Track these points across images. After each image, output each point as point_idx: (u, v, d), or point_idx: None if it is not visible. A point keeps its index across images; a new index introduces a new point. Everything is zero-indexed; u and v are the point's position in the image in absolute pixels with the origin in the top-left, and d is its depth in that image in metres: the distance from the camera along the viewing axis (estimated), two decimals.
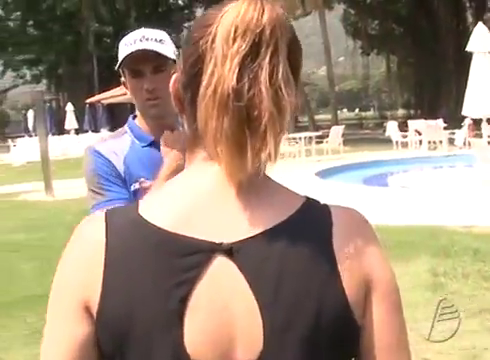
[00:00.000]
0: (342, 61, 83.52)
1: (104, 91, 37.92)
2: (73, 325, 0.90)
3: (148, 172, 2.05)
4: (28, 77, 52.31)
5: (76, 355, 0.89)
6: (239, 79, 0.87)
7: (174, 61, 2.03)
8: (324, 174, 15.38)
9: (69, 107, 33.31)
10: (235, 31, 0.88)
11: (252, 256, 0.90)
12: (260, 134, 0.88)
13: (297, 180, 14.38)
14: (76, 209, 9.74)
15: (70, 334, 0.90)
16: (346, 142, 21.74)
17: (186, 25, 50.69)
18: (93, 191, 2.06)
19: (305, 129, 30.15)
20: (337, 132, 21.00)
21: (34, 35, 47.16)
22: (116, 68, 2.09)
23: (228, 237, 0.90)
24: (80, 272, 0.91)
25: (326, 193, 12.21)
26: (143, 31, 2.06)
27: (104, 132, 32.57)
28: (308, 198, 1.00)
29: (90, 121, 33.62)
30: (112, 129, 33.26)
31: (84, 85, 43.59)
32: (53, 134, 31.88)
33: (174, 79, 1.01)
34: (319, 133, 22.58)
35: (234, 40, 0.88)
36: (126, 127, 2.20)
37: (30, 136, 34.46)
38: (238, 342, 0.88)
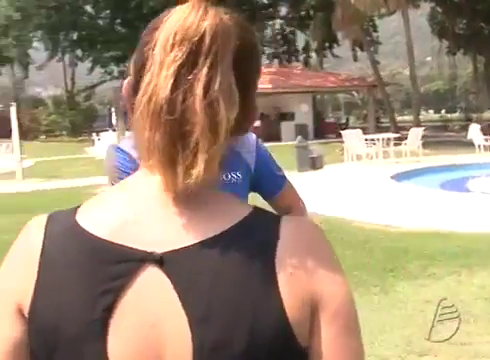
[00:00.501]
0: (429, 61, 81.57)
1: None
2: (7, 328, 0.89)
3: None
4: (115, 73, 53.66)
5: (9, 358, 0.88)
6: (173, 90, 0.83)
7: None
8: (400, 177, 15.07)
9: None
10: (174, 38, 0.85)
11: (184, 267, 0.86)
12: (191, 150, 0.84)
13: (371, 182, 14.23)
14: None
15: (4, 337, 0.89)
16: (427, 144, 21.21)
17: (270, 23, 50.81)
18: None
19: (386, 130, 29.63)
20: (416, 134, 20.50)
21: (122, 33, 48.34)
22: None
23: (162, 247, 0.86)
24: (16, 275, 0.90)
25: (400, 196, 11.98)
26: None
27: None
28: (257, 209, 0.95)
29: None
30: None
31: None
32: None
33: (127, 82, 0.97)
34: (397, 135, 22.11)
35: (172, 48, 0.85)
36: None
37: (114, 130, 35.41)
38: (166, 358, 0.84)
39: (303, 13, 47.71)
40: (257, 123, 37.95)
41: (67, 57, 56.62)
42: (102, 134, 32.66)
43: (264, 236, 0.90)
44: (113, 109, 35.71)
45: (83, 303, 0.86)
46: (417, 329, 4.86)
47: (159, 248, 0.87)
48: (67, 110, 59.13)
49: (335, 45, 47.62)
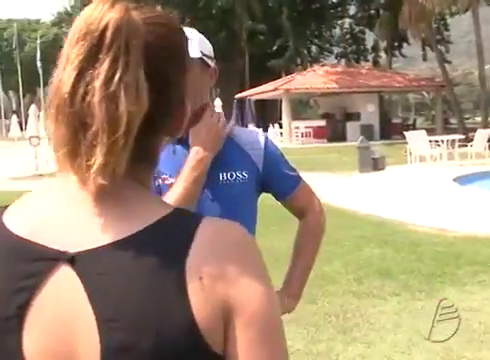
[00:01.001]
0: None
1: (254, 87, 38.74)
2: None
3: (171, 169, 1.99)
4: None
5: None
6: (75, 84, 0.85)
7: (202, 60, 1.98)
8: (463, 180, 14.69)
9: (217, 102, 34.22)
10: (78, 33, 0.86)
11: (95, 267, 0.86)
12: (90, 142, 0.85)
13: (432, 184, 13.94)
14: None
15: None
16: None
17: (339, 22, 50.34)
18: None
19: (454, 131, 28.93)
20: (483, 136, 19.94)
21: None
22: None
23: (76, 246, 0.87)
24: None
25: (460, 200, 11.69)
26: None
27: (251, 127, 33.32)
28: (178, 210, 0.94)
29: (237, 116, 34.35)
30: (258, 125, 33.94)
31: (236, 81, 44.62)
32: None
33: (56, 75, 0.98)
34: (462, 136, 21.53)
35: (76, 43, 0.86)
36: None
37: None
38: (80, 358, 0.85)
39: (372, 12, 47.09)
40: (322, 123, 37.43)
41: None
42: None
43: (178, 238, 0.89)
44: None
45: None
46: (459, 338, 4.73)
47: (73, 247, 0.87)
48: None
49: (405, 44, 46.75)
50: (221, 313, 0.87)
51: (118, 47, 0.86)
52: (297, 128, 34.14)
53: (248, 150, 2.08)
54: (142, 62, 0.88)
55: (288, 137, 33.29)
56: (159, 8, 0.97)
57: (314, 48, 50.70)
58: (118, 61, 0.86)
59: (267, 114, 41.52)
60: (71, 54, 0.86)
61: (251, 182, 2.06)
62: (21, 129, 35.32)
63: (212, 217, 0.95)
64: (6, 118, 43.31)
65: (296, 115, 39.43)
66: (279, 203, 2.23)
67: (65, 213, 0.91)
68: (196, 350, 0.85)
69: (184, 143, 2.02)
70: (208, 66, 2.02)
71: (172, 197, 1.90)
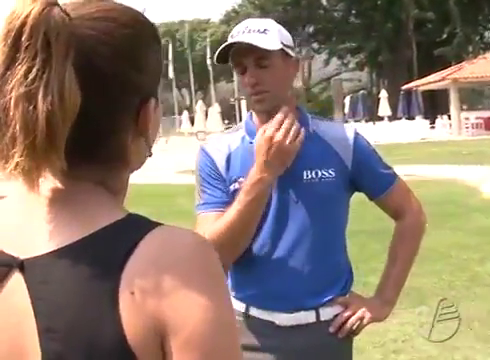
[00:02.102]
0: None
1: (422, 77, 37.47)
2: None
3: (247, 172, 1.87)
4: (351, 65, 53.89)
5: None
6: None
7: (283, 50, 1.89)
8: None
9: (383, 94, 33.52)
10: (1, 32, 0.82)
11: (38, 275, 0.84)
12: (8, 141, 0.81)
13: None
14: None
15: None
16: None
17: None
18: (198, 191, 2.02)
19: None
20: None
21: (356, 24, 48.41)
22: (215, 61, 2.00)
23: (27, 252, 0.85)
24: None
25: None
26: (248, 22, 1.93)
27: (418, 119, 32.28)
28: (132, 216, 0.88)
29: (404, 108, 33.43)
30: (426, 116, 32.80)
31: (403, 71, 43.48)
32: (366, 121, 32.49)
33: None
34: None
35: (1, 40, 0.82)
36: (243, 122, 2.09)
37: (346, 121, 35.68)
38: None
39: None
40: None
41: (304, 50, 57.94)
42: None
43: (118, 248, 0.83)
44: (347, 100, 35.88)
45: None
46: None
47: (25, 253, 0.85)
48: (305, 102, 60.66)
49: None
50: (154, 331, 0.80)
51: (36, 44, 0.80)
52: (467, 119, 32.50)
53: (335, 146, 1.97)
54: (70, 58, 0.82)
55: (457, 129, 31.80)
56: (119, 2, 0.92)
57: (488, 33, 48.07)
58: (36, 58, 0.80)
59: (436, 105, 39.94)
60: None
61: (339, 181, 1.95)
62: (192, 124, 36.95)
63: (169, 226, 0.87)
64: (180, 114, 45.46)
65: (469, 105, 37.57)
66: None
67: (21, 219, 0.90)
68: (122, 356, 0.80)
69: None
70: (289, 56, 1.93)
71: (225, 220, 1.84)
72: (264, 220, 1.91)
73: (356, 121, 32.95)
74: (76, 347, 0.81)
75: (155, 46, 0.96)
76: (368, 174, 2.01)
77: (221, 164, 1.98)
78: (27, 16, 0.80)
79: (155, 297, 0.80)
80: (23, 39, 0.80)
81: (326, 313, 1.94)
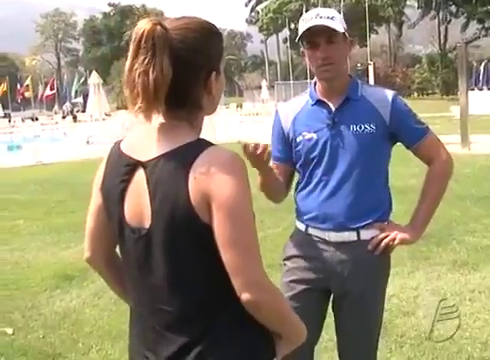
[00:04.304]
0: None
1: None
2: (95, 197, 1.74)
3: (309, 127, 2.54)
4: None
5: (97, 213, 1.74)
6: (130, 70, 1.52)
7: (344, 34, 2.46)
8: None
9: None
10: (132, 39, 1.52)
11: (152, 169, 1.54)
12: (133, 97, 1.51)
13: None
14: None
15: (94, 202, 1.75)
16: None
17: None
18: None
19: None
20: None
21: None
22: (296, 40, 2.54)
23: (145, 157, 1.56)
24: (99, 172, 1.72)
25: None
26: (318, 10, 2.50)
27: None
28: (200, 140, 1.55)
29: None
30: None
31: None
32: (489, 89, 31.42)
33: None
34: None
35: (131, 45, 1.52)
36: (308, 88, 2.68)
37: (480, 89, 34.50)
38: (145, 216, 1.56)
39: None
40: None
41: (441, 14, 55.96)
42: (470, 93, 31.87)
43: (192, 154, 1.50)
44: (482, 67, 34.63)
45: (113, 185, 1.64)
46: None
47: (143, 158, 1.57)
48: (440, 68, 58.67)
49: None
50: (206, 197, 1.48)
51: (147, 45, 1.49)
52: None
53: (377, 106, 2.50)
54: (165, 52, 1.49)
55: None
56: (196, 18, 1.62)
57: None
58: (148, 53, 1.49)
59: None
60: (130, 51, 1.53)
61: (378, 133, 2.49)
62: None
63: (218, 146, 1.54)
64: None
65: None
66: None
67: (143, 137, 1.62)
68: (190, 216, 1.49)
69: (317, 104, 2.57)
70: (347, 38, 2.52)
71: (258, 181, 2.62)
72: (320, 162, 2.53)
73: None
74: (166, 206, 1.52)
75: (215, 39, 1.63)
76: (404, 128, 2.54)
77: (286, 124, 2.65)
78: (144, 30, 1.50)
79: (206, 180, 1.48)
80: (142, 42, 1.50)
81: (365, 234, 2.53)
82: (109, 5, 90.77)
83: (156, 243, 1.54)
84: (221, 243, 1.47)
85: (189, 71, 1.55)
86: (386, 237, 2.53)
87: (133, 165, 1.59)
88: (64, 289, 5.64)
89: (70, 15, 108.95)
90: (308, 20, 2.47)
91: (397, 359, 3.81)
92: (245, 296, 1.47)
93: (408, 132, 2.56)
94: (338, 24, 2.45)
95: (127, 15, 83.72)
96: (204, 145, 1.54)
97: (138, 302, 1.66)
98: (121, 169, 1.61)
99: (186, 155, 1.51)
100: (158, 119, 1.59)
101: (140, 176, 1.57)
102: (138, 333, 1.68)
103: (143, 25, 1.50)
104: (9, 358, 4.11)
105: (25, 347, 4.28)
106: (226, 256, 1.47)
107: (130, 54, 1.52)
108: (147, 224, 1.55)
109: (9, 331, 4.58)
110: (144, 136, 1.61)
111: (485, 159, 12.85)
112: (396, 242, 2.54)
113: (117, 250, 1.77)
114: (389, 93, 2.57)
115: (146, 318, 1.63)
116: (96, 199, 1.73)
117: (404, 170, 9.10)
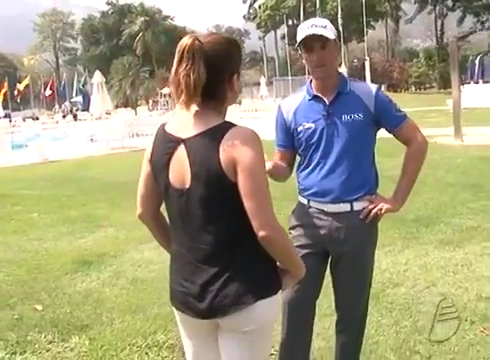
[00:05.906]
0: None
1: None
2: (145, 166, 2.25)
3: (307, 118, 3.02)
4: (488, 23, 51.84)
5: (147, 179, 2.25)
6: (176, 72, 2.03)
7: (335, 40, 2.90)
8: None
9: None
10: (177, 50, 2.03)
11: (191, 144, 2.06)
12: (180, 92, 2.02)
13: None
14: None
15: (145, 170, 2.26)
16: None
17: None
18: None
19: None
20: None
21: None
22: (295, 46, 3.00)
23: (184, 135, 2.08)
24: (149, 146, 2.23)
25: None
26: (313, 20, 2.96)
27: None
28: (226, 122, 2.06)
29: None
30: None
31: None
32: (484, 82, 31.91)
33: None
34: None
35: (176, 54, 2.03)
36: (305, 86, 3.13)
37: (476, 82, 34.95)
38: (186, 179, 2.07)
39: None
40: None
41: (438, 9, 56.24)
42: (466, 86, 32.33)
43: (221, 132, 2.02)
44: (476, 61, 35.05)
45: (160, 156, 2.14)
46: None
47: (184, 135, 2.08)
48: (437, 62, 59.03)
49: None
50: (232, 163, 1.99)
51: (188, 55, 2.00)
52: None
53: (363, 98, 2.97)
54: (201, 60, 2.00)
55: None
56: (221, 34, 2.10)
57: None
58: (188, 61, 2.00)
59: None
60: (175, 59, 2.03)
61: (365, 121, 2.96)
62: None
63: (241, 126, 2.06)
64: None
65: None
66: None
67: (183, 121, 2.13)
68: (221, 176, 2.00)
69: (313, 99, 3.04)
70: (337, 43, 2.98)
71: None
72: (318, 146, 3.02)
73: (485, 82, 32.32)
74: (203, 170, 2.03)
75: (236, 50, 2.15)
76: (386, 115, 3.00)
77: (288, 117, 3.13)
78: (186, 44, 2.02)
79: (232, 150, 1.99)
80: (184, 52, 2.01)
81: (357, 205, 3.01)
82: (107, 4, 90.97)
83: (194, 198, 2.06)
84: (243, 194, 1.98)
85: (218, 73, 2.06)
86: (374, 208, 3.02)
87: (176, 142, 2.10)
88: (84, 272, 6.08)
89: (68, 14, 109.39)
90: (305, 29, 2.92)
91: (387, 321, 4.29)
92: (261, 233, 1.98)
93: (390, 118, 3.03)
94: (330, 32, 2.91)
95: (125, 13, 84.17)
96: (229, 126, 2.05)
97: (179, 243, 2.17)
98: (166, 145, 2.12)
99: (216, 133, 2.03)
100: (194, 108, 2.10)
101: (181, 150, 2.07)
102: (178, 268, 2.18)
103: (185, 40, 2.02)
104: (42, 329, 4.57)
105: (55, 320, 4.74)
106: (247, 203, 1.98)
107: (175, 61, 2.03)
108: (187, 185, 2.07)
109: (39, 307, 5.04)
110: (184, 120, 2.12)
111: (476, 149, 13.41)
112: (382, 211, 3.02)
113: (162, 210, 2.27)
114: (373, 87, 3.05)
115: (185, 255, 2.13)
116: (146, 168, 2.23)
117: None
